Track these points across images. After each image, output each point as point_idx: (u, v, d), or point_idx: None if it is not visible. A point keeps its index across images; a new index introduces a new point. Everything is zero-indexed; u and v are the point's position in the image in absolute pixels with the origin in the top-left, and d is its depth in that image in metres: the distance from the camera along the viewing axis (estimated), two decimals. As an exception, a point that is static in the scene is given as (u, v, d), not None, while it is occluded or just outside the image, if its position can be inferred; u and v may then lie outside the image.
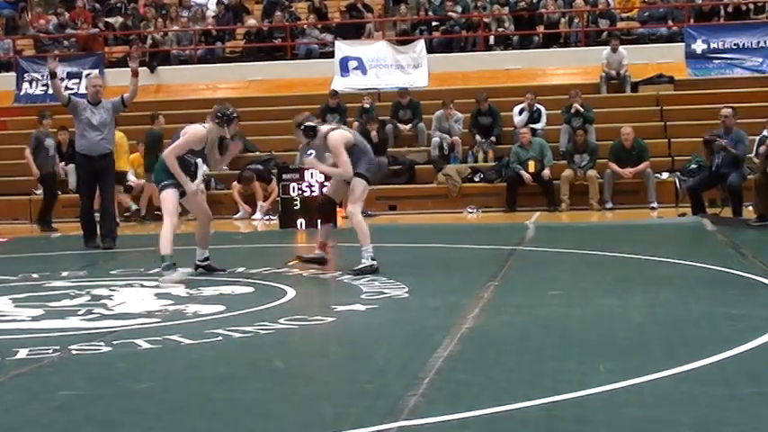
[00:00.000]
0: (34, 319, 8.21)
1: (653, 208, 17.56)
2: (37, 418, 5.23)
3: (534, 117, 19.52)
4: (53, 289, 9.84)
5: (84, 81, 23.21)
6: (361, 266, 10.16)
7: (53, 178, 17.52)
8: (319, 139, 10.35)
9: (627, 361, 6.07)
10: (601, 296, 8.64)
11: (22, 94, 23.36)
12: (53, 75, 13.78)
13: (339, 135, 10.31)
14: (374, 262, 10.17)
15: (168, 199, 10.07)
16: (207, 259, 10.62)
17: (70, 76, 23.36)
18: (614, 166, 17.87)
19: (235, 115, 10.29)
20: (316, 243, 10.88)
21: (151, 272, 10.69)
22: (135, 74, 13.36)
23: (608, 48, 21.38)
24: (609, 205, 17.81)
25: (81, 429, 5.03)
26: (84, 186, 13.94)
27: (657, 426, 4.79)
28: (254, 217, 18.18)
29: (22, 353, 6.74)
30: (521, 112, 19.60)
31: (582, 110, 19.15)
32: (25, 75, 23.50)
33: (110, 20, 25.72)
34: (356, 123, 19.51)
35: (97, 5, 26.42)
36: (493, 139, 19.50)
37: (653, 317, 7.61)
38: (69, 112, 13.67)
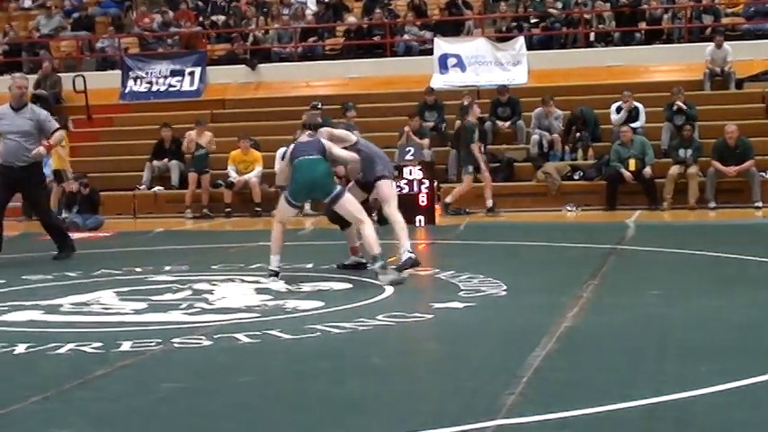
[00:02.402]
0: (138, 312, 8.37)
1: (757, 207, 17.20)
2: (140, 409, 5.33)
3: (632, 115, 19.28)
4: (156, 283, 10.02)
5: (186, 78, 23.61)
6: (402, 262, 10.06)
7: None
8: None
9: (729, 362, 5.98)
10: (702, 296, 8.51)
11: (126, 91, 23.80)
12: None
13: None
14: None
15: (353, 200, 9.90)
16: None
17: (173, 73, 23.76)
18: (717, 165, 17.56)
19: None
20: (348, 250, 10.64)
21: (252, 267, 10.82)
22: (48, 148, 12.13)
23: (712, 44, 21.00)
24: (712, 204, 17.50)
25: (183, 421, 5.12)
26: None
27: (761, 429, 4.71)
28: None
29: (126, 345, 6.88)
30: (618, 111, 19.39)
31: (684, 107, 18.86)
32: (130, 72, 23.94)
33: (213, 18, 26.08)
34: (457, 122, 19.49)
35: (201, 4, 26.80)
36: (585, 133, 19.29)
37: (755, 318, 7.47)
38: None
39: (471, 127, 17.33)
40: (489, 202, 17.36)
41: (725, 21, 23.03)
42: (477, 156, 17.14)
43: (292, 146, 10.09)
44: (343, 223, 10.36)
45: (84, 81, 22.70)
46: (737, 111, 19.59)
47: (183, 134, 19.73)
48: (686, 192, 17.61)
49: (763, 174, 17.83)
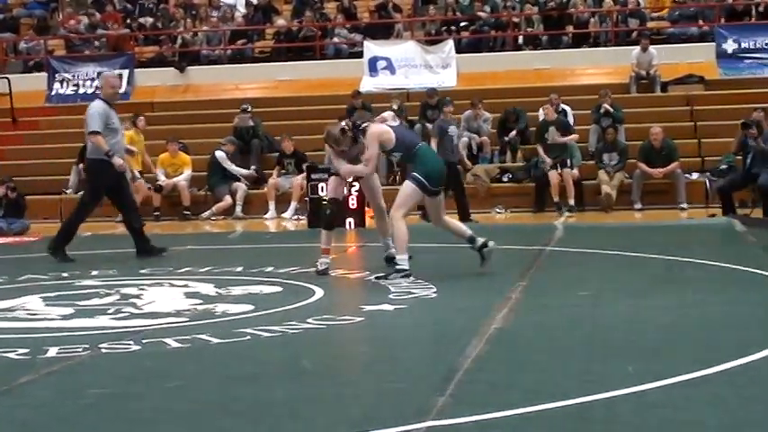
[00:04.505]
0: (64, 317, 8.26)
1: (683, 208, 17.46)
2: (67, 415, 5.27)
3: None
4: (83, 288, 9.90)
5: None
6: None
7: (455, 169, 16.28)
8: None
9: (656, 362, 6.05)
10: (629, 297, 8.60)
11: (53, 94, 23.51)
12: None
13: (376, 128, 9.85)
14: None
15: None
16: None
17: (101, 75, 23.48)
18: (643, 166, 17.79)
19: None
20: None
21: (180, 271, 10.74)
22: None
23: (638, 47, 21.29)
24: (638, 206, 17.72)
25: (111, 427, 5.06)
26: (98, 195, 12.63)
27: (687, 427, 4.77)
28: (283, 216, 18.21)
29: (53, 351, 6.79)
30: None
31: (611, 110, 19.08)
32: (56, 75, 23.65)
33: (140, 20, 25.85)
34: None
35: (128, 6, 26.56)
36: (516, 137, 19.47)
37: (682, 318, 7.58)
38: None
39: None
40: (572, 201, 17.66)
41: (650, 24, 23.37)
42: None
43: (390, 131, 9.80)
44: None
45: (9, 83, 22.38)
46: (663, 113, 19.89)
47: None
48: (621, 193, 17.81)
49: (688, 175, 18.11)
